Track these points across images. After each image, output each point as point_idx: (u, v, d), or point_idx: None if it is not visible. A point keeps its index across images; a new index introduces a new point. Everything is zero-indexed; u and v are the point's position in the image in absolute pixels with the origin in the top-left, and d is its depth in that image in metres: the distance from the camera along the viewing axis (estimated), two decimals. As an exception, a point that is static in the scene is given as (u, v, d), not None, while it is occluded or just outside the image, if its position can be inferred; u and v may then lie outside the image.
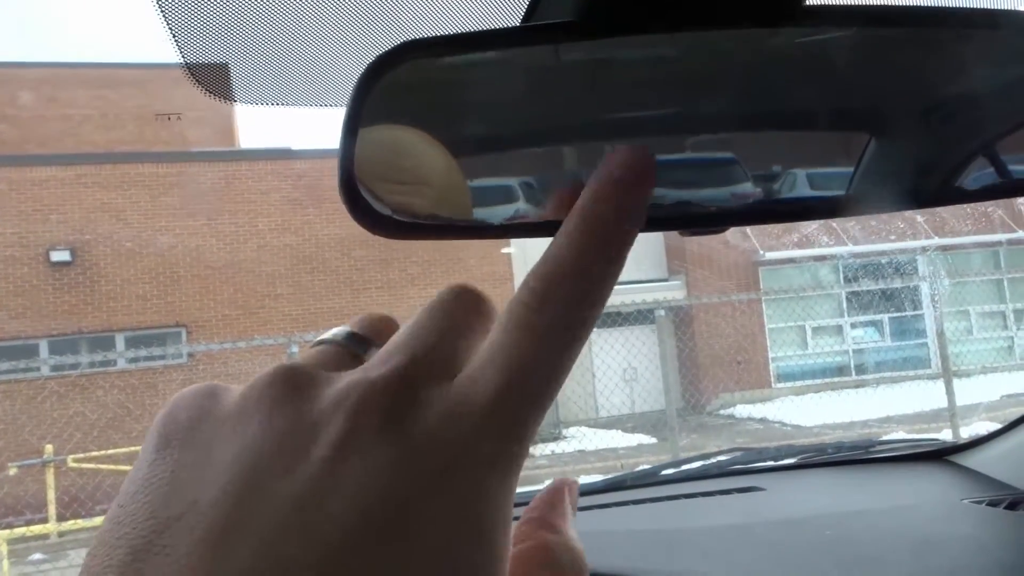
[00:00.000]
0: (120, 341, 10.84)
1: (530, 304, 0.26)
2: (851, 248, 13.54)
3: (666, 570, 1.17)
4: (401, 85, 0.46)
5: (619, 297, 11.19)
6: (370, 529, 0.22)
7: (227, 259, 11.22)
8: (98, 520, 6.77)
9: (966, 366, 12.49)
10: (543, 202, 0.50)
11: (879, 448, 1.62)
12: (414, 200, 0.43)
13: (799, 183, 0.54)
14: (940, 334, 8.34)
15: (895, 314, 14.34)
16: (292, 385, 0.26)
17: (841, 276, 14.26)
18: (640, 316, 11.14)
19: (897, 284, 12.92)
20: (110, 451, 7.63)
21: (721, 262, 14.04)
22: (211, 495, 0.23)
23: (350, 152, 0.40)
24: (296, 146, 11.97)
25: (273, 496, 0.23)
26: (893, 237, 13.16)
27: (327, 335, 0.30)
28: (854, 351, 14.33)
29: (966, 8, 0.48)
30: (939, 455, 1.56)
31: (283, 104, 0.66)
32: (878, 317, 14.39)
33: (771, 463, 1.65)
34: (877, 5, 0.46)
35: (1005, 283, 14.34)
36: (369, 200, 0.41)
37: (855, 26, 0.49)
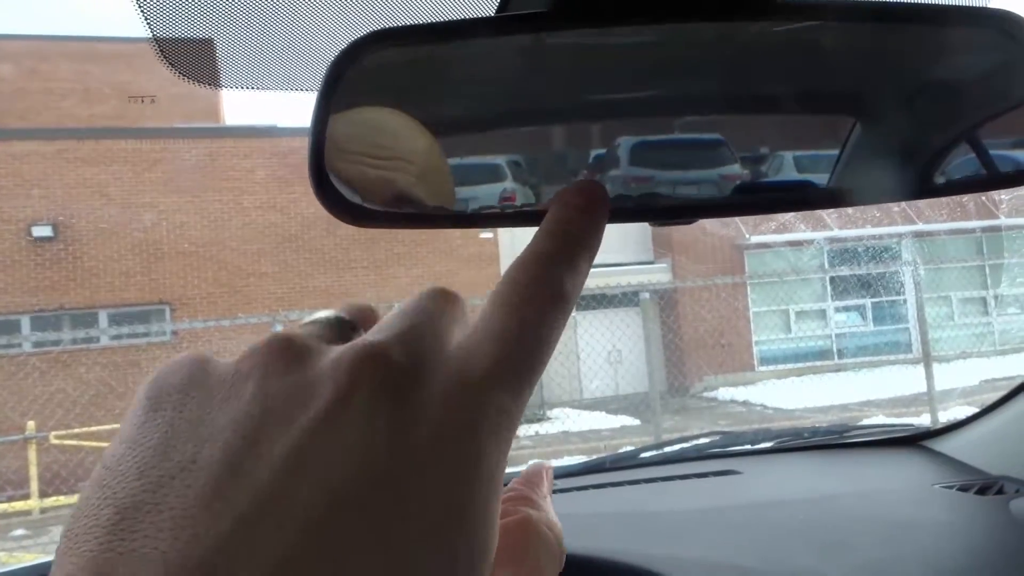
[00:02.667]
0: (103, 318, 10.76)
1: (519, 280, 0.28)
2: (835, 233, 13.62)
3: (642, 552, 1.19)
4: (377, 69, 0.46)
5: (604, 279, 11.19)
6: (362, 490, 0.23)
7: (212, 236, 11.14)
8: (80, 497, 6.75)
9: (947, 351, 12.62)
10: (531, 181, 0.50)
11: (854, 433, 1.64)
12: (396, 176, 0.43)
13: (786, 165, 0.54)
14: (921, 320, 8.42)
15: (877, 299, 14.46)
16: (288, 350, 0.26)
17: (825, 261, 14.34)
18: (625, 298, 11.17)
19: (880, 269, 13.02)
20: (92, 428, 7.60)
21: (706, 245, 14.08)
22: (208, 454, 0.23)
23: (320, 139, 0.40)
24: (282, 123, 11.86)
25: (268, 455, 0.23)
26: (876, 223, 13.25)
27: (316, 316, 0.30)
28: (836, 335, 14.45)
29: (932, 4, 0.48)
30: (913, 440, 1.58)
31: (260, 88, 0.65)
32: (861, 302, 14.50)
33: (748, 447, 1.67)
34: (847, 1, 0.46)
35: (986, 269, 14.48)
36: (339, 187, 0.41)
37: (828, 20, 0.49)
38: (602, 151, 0.52)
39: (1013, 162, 0.57)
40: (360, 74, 0.43)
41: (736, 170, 0.52)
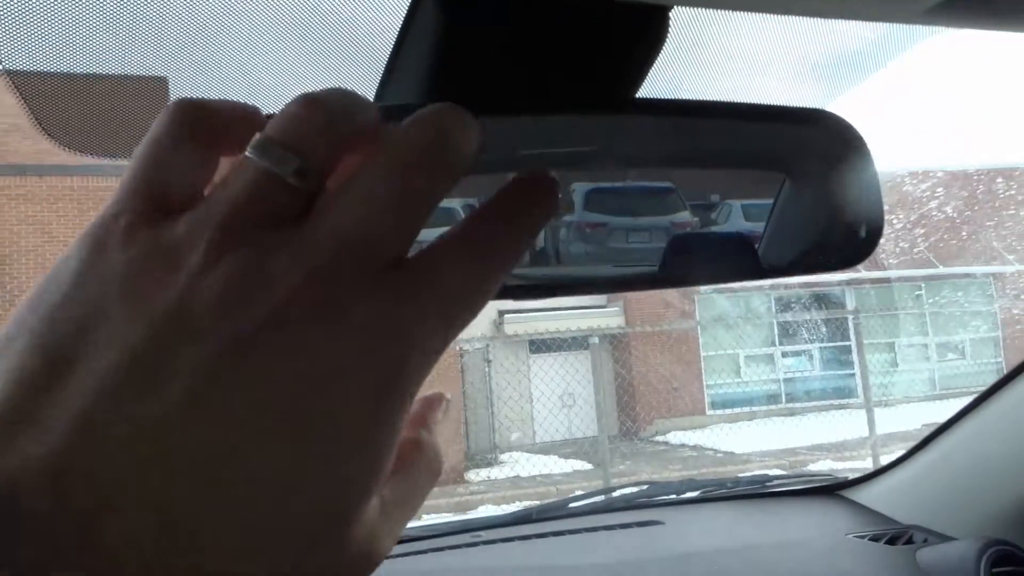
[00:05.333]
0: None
1: (474, 221, 0.29)
2: (784, 280, 13.94)
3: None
4: None
5: (556, 323, 11.24)
6: (237, 362, 0.22)
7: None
8: None
9: (891, 396, 12.93)
10: None
11: (776, 483, 1.67)
12: None
13: (734, 214, 0.56)
14: (862, 367, 8.65)
15: (824, 344, 14.78)
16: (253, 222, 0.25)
17: (773, 306, 14.65)
18: (578, 342, 11.23)
19: (825, 315, 13.35)
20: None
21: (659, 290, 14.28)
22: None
23: None
24: (235, 163, 11.77)
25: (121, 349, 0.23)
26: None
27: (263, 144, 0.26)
28: (785, 380, 14.70)
29: (782, 106, 0.50)
30: (831, 490, 1.61)
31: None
32: (808, 347, 14.80)
33: (674, 496, 1.68)
34: (691, 100, 0.48)
35: (927, 317, 14.96)
36: None
37: (680, 116, 0.50)
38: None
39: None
40: None
41: (686, 217, 0.53)
